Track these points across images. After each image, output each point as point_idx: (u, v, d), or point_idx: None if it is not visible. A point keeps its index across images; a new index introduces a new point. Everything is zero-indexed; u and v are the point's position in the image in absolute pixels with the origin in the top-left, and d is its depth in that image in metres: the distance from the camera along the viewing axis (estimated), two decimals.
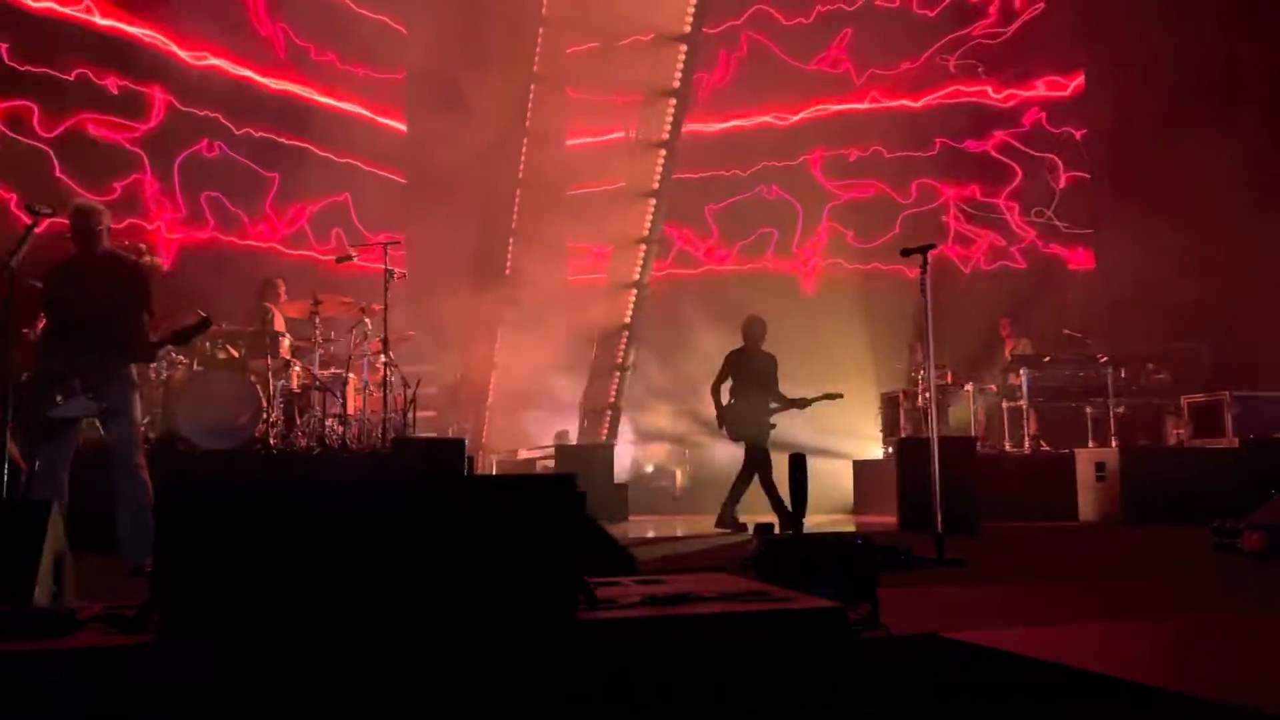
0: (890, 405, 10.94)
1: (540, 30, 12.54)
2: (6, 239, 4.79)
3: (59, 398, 4.76)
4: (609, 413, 12.11)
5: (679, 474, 12.87)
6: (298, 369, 8.24)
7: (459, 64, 11.71)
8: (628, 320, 12.16)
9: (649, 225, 12.06)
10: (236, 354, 8.05)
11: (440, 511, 2.41)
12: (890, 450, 10.37)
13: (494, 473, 11.32)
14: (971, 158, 13.22)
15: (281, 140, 11.58)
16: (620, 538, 4.16)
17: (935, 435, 5.61)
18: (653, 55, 12.04)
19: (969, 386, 10.36)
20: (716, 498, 8.38)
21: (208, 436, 7.17)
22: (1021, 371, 9.92)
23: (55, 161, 10.02)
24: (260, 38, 11.70)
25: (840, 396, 8.49)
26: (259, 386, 7.59)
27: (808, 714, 2.46)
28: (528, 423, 11.96)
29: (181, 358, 7.55)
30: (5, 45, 9.97)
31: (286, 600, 2.25)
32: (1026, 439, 10.02)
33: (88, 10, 10.36)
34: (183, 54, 10.98)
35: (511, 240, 12.71)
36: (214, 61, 11.21)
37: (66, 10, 10.22)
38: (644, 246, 12.09)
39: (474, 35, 11.86)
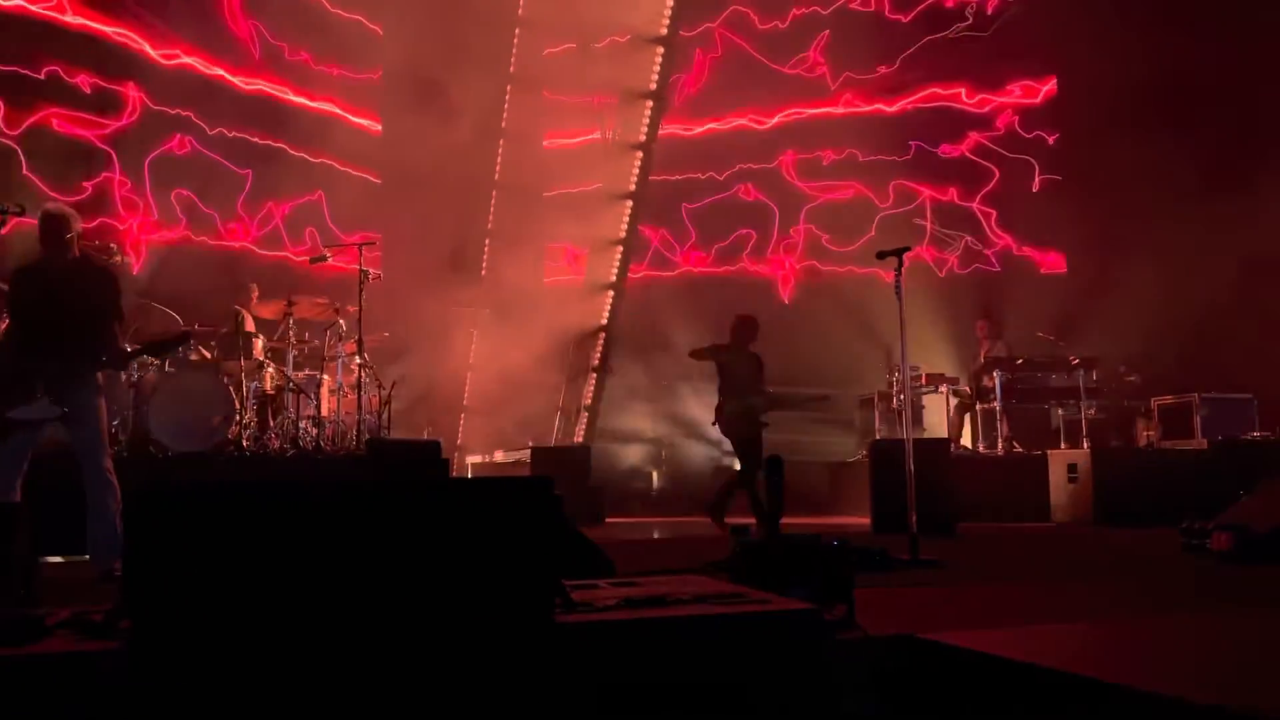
0: (865, 408, 10.99)
1: (517, 31, 12.53)
2: None
3: (20, 400, 4.69)
4: (585, 414, 12.09)
5: (655, 475, 12.88)
6: (271, 370, 8.17)
7: (435, 64, 11.64)
8: (604, 322, 12.15)
9: (625, 227, 12.07)
10: (209, 355, 7.97)
11: (416, 514, 2.38)
12: (864, 453, 10.43)
13: (470, 475, 11.26)
14: (947, 162, 13.32)
15: (255, 140, 11.47)
16: (597, 540, 4.14)
17: (909, 437, 5.65)
18: (629, 57, 12.05)
19: (943, 389, 10.44)
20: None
21: (179, 438, 7.08)
22: (994, 374, 10.01)
23: (22, 159, 9.85)
24: (234, 36, 11.58)
25: (828, 399, 8.54)
26: (231, 388, 7.51)
27: (784, 715, 2.47)
28: (503, 424, 11.91)
29: (153, 359, 7.45)
30: None
31: (259, 605, 2.22)
32: (1000, 441, 10.10)
33: (59, 8, 10.19)
34: (154, 53, 10.84)
35: (487, 241, 12.68)
36: (187, 60, 11.07)
37: (35, 9, 10.05)
38: (620, 248, 12.09)
39: (450, 36, 11.77)
